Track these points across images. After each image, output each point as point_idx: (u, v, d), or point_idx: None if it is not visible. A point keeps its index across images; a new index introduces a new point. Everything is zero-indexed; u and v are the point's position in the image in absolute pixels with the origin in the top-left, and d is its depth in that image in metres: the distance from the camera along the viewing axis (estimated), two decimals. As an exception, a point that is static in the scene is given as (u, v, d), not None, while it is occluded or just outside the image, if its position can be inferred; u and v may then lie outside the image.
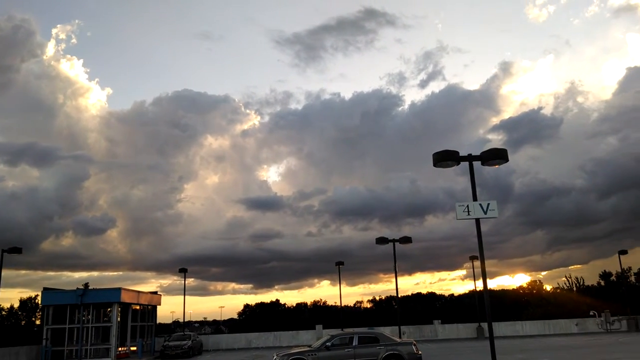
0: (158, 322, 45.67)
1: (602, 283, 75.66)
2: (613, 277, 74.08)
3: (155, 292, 41.77)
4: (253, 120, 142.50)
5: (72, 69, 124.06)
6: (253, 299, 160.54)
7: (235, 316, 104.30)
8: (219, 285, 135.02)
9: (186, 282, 43.80)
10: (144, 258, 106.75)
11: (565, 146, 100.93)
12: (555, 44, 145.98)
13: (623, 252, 43.49)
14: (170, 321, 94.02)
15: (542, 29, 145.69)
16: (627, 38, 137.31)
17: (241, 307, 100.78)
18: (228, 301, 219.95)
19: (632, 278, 73.10)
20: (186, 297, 44.27)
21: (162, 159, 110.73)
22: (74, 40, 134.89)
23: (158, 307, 41.57)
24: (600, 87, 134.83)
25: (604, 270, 77.29)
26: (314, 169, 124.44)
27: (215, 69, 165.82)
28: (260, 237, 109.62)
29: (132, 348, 35.77)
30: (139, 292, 37.65)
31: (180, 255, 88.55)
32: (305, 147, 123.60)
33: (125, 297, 33.73)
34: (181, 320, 54.57)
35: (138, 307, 37.75)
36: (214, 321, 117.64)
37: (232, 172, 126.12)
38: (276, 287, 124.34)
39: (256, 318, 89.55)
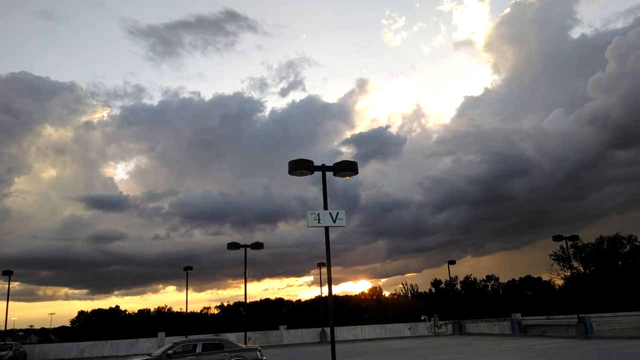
0: (-27, 331, 40.71)
1: (433, 290, 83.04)
2: (443, 285, 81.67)
3: (-29, 297, 37.17)
4: (100, 113, 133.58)
5: None
6: (89, 305, 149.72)
7: (68, 324, 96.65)
8: (50, 290, 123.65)
9: (10, 285, 39.26)
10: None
11: (407, 163, 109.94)
12: (405, 68, 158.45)
13: (452, 262, 47.94)
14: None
15: (395, 52, 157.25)
16: (467, 69, 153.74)
17: (75, 314, 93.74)
18: (60, 307, 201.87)
19: (459, 286, 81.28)
20: (10, 302, 39.68)
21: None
22: None
23: (-26, 314, 36.95)
24: (440, 111, 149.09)
25: (435, 279, 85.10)
26: (166, 169, 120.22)
27: (58, 53, 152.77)
28: (101, 238, 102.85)
29: (-63, 361, 31.23)
30: (-50, 297, 33.21)
31: (4, 256, 79.80)
32: (159, 145, 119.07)
33: None
34: (2, 328, 48.84)
35: (-52, 315, 33.12)
36: (43, 329, 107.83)
37: (72, 167, 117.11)
38: (116, 292, 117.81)
39: (92, 326, 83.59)
